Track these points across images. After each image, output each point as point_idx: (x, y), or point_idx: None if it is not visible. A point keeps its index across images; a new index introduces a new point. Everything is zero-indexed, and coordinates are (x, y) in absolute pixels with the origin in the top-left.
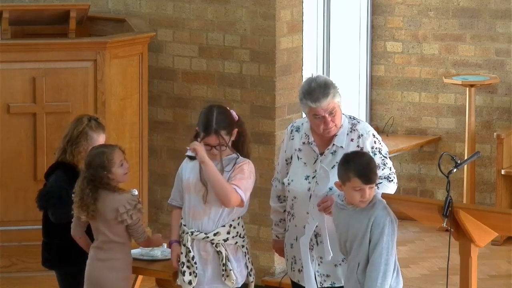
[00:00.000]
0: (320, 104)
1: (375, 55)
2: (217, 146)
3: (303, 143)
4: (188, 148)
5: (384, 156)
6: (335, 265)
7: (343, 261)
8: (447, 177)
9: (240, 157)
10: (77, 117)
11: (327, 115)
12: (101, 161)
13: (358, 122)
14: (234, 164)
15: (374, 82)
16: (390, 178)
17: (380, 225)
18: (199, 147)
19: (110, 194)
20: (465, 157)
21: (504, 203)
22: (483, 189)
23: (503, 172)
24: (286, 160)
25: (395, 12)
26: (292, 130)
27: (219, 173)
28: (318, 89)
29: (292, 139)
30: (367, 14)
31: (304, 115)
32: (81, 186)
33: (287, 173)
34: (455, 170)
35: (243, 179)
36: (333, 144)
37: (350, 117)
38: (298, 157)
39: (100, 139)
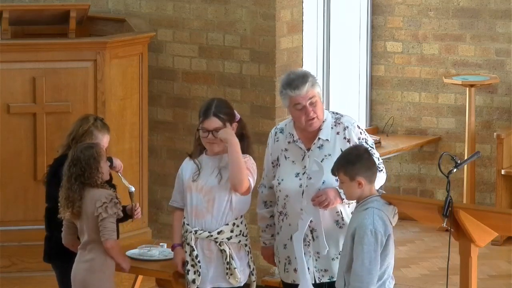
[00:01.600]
0: (300, 92)
1: (375, 55)
2: (214, 130)
3: (289, 142)
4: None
5: (371, 147)
6: (333, 259)
7: (339, 254)
8: (447, 177)
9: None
10: (83, 116)
11: (307, 104)
12: (92, 153)
13: (342, 116)
14: None
15: (374, 82)
16: (379, 167)
17: (361, 234)
18: (226, 130)
19: (94, 190)
20: (465, 157)
21: (504, 203)
22: (483, 189)
23: (503, 172)
24: (272, 163)
25: (395, 12)
26: (276, 132)
27: (241, 157)
28: (297, 79)
29: (277, 141)
30: (367, 14)
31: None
32: (67, 184)
33: (274, 176)
34: (455, 170)
35: (251, 169)
36: (319, 138)
37: (333, 112)
38: (285, 157)
39: (104, 139)
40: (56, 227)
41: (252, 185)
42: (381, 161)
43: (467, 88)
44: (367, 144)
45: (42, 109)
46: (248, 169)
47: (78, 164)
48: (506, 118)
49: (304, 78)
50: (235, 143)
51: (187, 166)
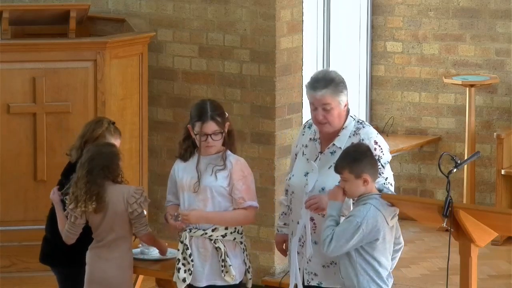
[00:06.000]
0: (315, 93)
1: (375, 55)
2: (213, 134)
3: (310, 139)
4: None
5: (382, 166)
6: (323, 266)
7: (331, 263)
8: (447, 177)
9: (228, 151)
10: (97, 119)
11: (319, 108)
12: (113, 150)
13: (364, 127)
14: (225, 161)
15: (374, 82)
16: (385, 188)
17: (349, 219)
18: (191, 216)
19: (117, 186)
20: (465, 157)
21: (504, 203)
22: (483, 189)
23: (503, 172)
24: (296, 155)
25: (395, 12)
26: (305, 126)
27: (220, 215)
28: (322, 79)
29: (303, 135)
30: (367, 14)
31: None
32: (87, 177)
33: None
34: (455, 170)
35: (246, 185)
36: (333, 144)
37: (358, 121)
38: (303, 153)
39: (116, 143)
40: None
41: (256, 200)
42: (390, 182)
43: (467, 88)
44: (380, 162)
45: (42, 109)
46: (244, 195)
47: (99, 158)
48: (506, 118)
49: (327, 83)
50: (204, 217)
51: (179, 167)
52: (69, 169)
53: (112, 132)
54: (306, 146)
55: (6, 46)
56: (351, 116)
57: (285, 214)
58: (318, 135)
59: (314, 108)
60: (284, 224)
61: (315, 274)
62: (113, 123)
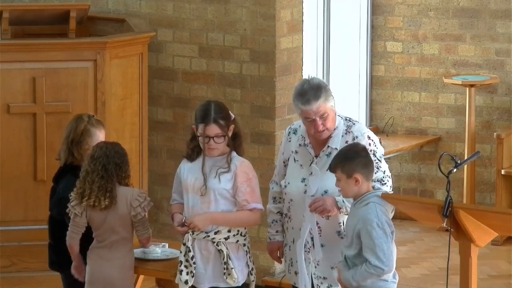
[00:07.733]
0: (311, 107)
1: (375, 55)
2: (215, 137)
3: (300, 145)
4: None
5: (378, 159)
6: (332, 268)
7: (340, 264)
8: (447, 177)
9: (233, 153)
10: (76, 117)
11: (317, 119)
12: (126, 152)
13: (354, 124)
14: (229, 163)
15: (374, 82)
16: (384, 181)
17: (367, 229)
18: (196, 222)
19: (121, 188)
20: (465, 157)
21: (504, 203)
22: (483, 189)
23: (503, 172)
24: (283, 162)
25: (395, 12)
26: (289, 132)
27: (225, 215)
28: (310, 92)
29: (289, 141)
30: (367, 14)
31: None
32: (103, 173)
33: (285, 175)
34: (455, 170)
35: (250, 188)
36: (328, 146)
37: (346, 119)
38: (294, 159)
39: (101, 134)
40: (61, 236)
41: (261, 203)
42: (388, 175)
43: (467, 88)
44: (375, 156)
45: (42, 109)
46: (248, 198)
47: (114, 156)
48: (506, 118)
49: (317, 92)
50: (212, 219)
51: (185, 167)
52: (61, 173)
53: (95, 124)
54: (296, 152)
55: (6, 46)
56: (338, 115)
57: (276, 221)
58: (307, 140)
59: (311, 120)
60: (276, 231)
61: (324, 278)
62: (93, 116)
